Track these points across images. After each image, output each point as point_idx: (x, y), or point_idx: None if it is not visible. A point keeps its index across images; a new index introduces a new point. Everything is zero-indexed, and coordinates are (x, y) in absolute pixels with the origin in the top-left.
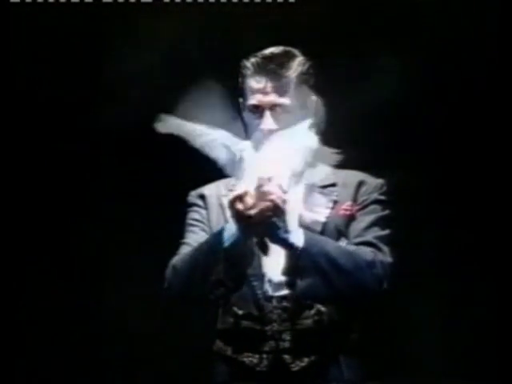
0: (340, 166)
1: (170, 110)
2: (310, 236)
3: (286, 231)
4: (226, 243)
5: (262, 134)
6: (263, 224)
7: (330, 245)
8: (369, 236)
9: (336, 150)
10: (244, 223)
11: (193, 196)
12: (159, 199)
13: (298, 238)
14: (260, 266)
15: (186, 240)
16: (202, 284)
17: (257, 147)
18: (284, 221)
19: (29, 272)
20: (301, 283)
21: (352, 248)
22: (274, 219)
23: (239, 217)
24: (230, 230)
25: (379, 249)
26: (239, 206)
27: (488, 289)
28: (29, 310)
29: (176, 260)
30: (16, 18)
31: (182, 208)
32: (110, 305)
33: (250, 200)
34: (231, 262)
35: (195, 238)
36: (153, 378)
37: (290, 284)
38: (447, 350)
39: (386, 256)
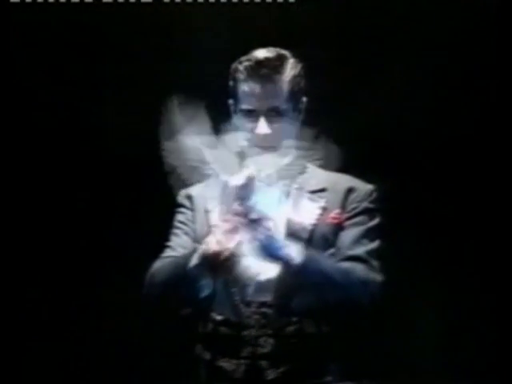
0: (331, 168)
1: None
2: (307, 253)
3: (283, 247)
4: (190, 265)
5: (256, 137)
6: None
7: (326, 262)
8: (359, 250)
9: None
10: (205, 260)
11: (181, 196)
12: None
13: (295, 254)
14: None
15: (169, 243)
16: (174, 299)
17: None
18: (278, 238)
19: (22, 271)
20: (295, 299)
21: (346, 265)
22: (270, 235)
23: (204, 253)
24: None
25: (371, 265)
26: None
27: (484, 294)
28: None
29: (154, 269)
30: (16, 18)
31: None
32: (95, 304)
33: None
34: (192, 284)
35: (178, 241)
36: (134, 380)
37: (282, 299)
38: (440, 355)
39: (377, 274)
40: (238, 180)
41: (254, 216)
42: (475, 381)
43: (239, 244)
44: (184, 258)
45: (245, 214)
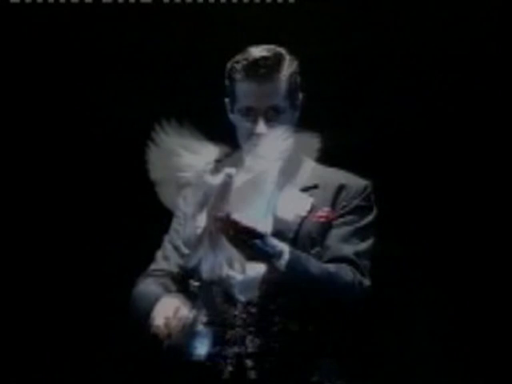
0: (325, 162)
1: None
2: (294, 255)
3: (270, 249)
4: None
5: (256, 137)
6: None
7: (312, 264)
8: (348, 250)
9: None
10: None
11: (180, 196)
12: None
13: (282, 256)
14: (222, 268)
15: (156, 253)
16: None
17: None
18: (267, 240)
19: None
20: (280, 299)
21: (333, 268)
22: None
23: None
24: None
25: (359, 267)
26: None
27: (482, 294)
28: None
29: (135, 293)
30: (16, 17)
31: None
32: (91, 307)
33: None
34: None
35: (163, 252)
36: (122, 380)
37: (267, 298)
38: (433, 355)
39: (365, 277)
40: (216, 179)
41: (240, 228)
42: (474, 381)
43: (185, 326)
44: (149, 305)
45: (233, 225)
